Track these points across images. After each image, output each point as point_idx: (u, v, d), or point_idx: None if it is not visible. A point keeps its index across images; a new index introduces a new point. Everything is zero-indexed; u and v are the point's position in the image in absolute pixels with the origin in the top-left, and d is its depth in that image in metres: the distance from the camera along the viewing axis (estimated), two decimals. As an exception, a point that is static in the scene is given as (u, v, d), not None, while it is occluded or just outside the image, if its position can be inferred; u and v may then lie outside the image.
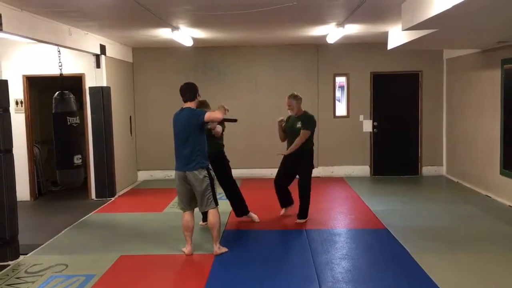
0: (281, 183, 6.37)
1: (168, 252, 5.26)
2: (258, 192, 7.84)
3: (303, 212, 6.32)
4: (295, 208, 6.47)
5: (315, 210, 7.07)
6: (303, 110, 6.26)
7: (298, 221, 6.30)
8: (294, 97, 6.18)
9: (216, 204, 5.06)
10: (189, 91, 5.07)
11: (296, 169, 6.26)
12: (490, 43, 7.13)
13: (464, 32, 6.01)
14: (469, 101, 8.46)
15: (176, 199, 7.55)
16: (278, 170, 6.40)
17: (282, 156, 6.32)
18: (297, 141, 6.07)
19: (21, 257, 5.14)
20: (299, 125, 6.11)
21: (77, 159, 6.56)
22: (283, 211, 6.56)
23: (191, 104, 5.06)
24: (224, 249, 5.18)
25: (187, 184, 5.01)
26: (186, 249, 5.17)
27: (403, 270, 4.67)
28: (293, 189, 6.43)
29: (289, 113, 6.26)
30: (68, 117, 6.50)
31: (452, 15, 4.49)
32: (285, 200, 6.49)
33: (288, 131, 6.26)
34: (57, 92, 6.58)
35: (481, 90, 7.97)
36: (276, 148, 9.53)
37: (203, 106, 5.72)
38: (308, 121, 6.15)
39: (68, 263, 4.94)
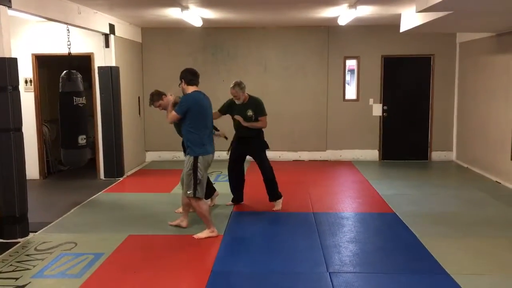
0: (237, 171, 6.19)
1: (176, 233, 5.29)
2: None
3: (275, 193, 6.15)
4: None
5: (323, 193, 7.08)
6: (248, 95, 6.00)
7: (275, 206, 6.11)
8: (238, 85, 5.87)
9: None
10: (196, 76, 5.08)
11: (251, 150, 6.10)
12: (505, 27, 7.00)
13: (478, 15, 5.89)
14: (481, 86, 8.34)
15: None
16: (231, 160, 6.18)
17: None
18: (258, 125, 5.96)
19: (31, 234, 5.19)
20: (250, 113, 5.91)
21: (82, 139, 6.57)
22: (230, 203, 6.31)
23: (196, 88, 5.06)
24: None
25: None
26: (215, 231, 5.13)
27: (411, 254, 4.66)
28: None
29: (236, 102, 5.98)
30: (74, 97, 6.50)
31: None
32: (240, 193, 6.31)
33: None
34: (64, 72, 6.57)
35: (494, 75, 7.85)
36: (283, 131, 9.55)
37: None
38: (260, 107, 5.98)
39: (77, 241, 4.98)
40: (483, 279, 4.11)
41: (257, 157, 6.13)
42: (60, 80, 6.56)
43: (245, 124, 5.91)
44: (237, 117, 5.94)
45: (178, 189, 7.23)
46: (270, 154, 9.39)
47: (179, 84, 5.05)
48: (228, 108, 6.09)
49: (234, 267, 4.40)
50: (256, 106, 5.96)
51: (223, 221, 5.65)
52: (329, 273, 4.20)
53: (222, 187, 6.84)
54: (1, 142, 4.96)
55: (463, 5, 4.96)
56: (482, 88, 8.30)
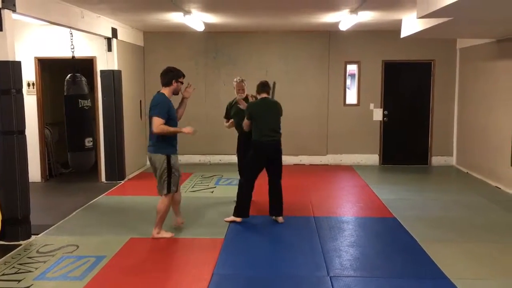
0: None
1: (177, 236, 5.31)
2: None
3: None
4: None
5: (323, 197, 7.11)
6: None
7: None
8: (244, 81, 6.27)
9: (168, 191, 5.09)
10: (161, 77, 5.11)
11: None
12: (506, 33, 7.04)
13: (479, 21, 5.93)
14: (481, 91, 8.38)
15: (186, 183, 7.64)
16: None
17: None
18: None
19: (33, 237, 5.21)
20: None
21: (88, 142, 6.61)
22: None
23: (165, 90, 5.07)
24: (166, 234, 5.24)
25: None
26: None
27: (411, 259, 4.68)
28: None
29: (238, 97, 6.20)
30: (79, 100, 6.54)
31: (468, 4, 4.43)
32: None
33: (233, 116, 6.25)
34: (69, 75, 6.61)
35: (494, 81, 7.88)
36: (284, 135, 9.56)
37: (265, 87, 5.79)
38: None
39: (78, 244, 5.00)
40: (483, 284, 4.13)
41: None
42: (65, 84, 6.59)
43: (243, 104, 5.96)
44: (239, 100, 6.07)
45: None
46: (270, 158, 9.50)
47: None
48: (231, 110, 6.33)
49: (235, 270, 4.42)
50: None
51: (224, 224, 5.67)
52: (330, 277, 4.22)
53: (224, 190, 6.85)
54: (5, 145, 4.99)
55: (464, 12, 5.00)
56: (482, 93, 8.34)
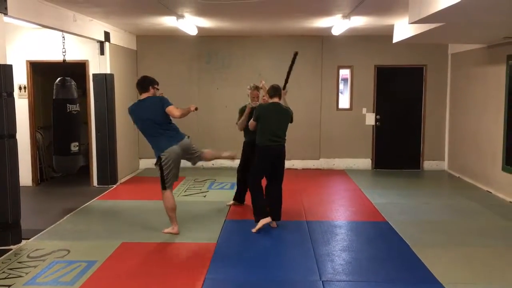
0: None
1: (169, 240, 5.28)
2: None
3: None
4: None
5: (316, 201, 7.11)
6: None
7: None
8: (258, 88, 6.33)
9: (163, 188, 5.43)
10: (139, 86, 5.45)
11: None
12: (497, 39, 7.10)
13: (471, 26, 5.98)
14: (473, 96, 8.44)
15: (179, 187, 7.62)
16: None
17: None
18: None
19: (23, 241, 5.17)
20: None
21: (74, 147, 6.58)
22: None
23: (147, 94, 5.39)
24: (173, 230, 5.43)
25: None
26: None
27: (403, 263, 4.69)
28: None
29: (252, 104, 6.27)
30: (68, 104, 6.51)
31: (460, 9, 4.46)
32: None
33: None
34: (59, 79, 6.57)
35: (485, 86, 7.95)
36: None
37: (277, 91, 5.82)
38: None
39: (70, 248, 4.97)
40: (474, 288, 4.15)
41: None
42: (54, 87, 6.56)
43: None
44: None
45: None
46: (263, 162, 9.49)
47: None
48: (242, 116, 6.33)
49: (227, 275, 4.40)
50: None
51: (217, 228, 5.66)
52: (322, 281, 4.22)
53: (217, 194, 6.84)
54: (-5, 149, 4.96)
55: (455, 18, 5.04)
56: (474, 98, 8.40)
